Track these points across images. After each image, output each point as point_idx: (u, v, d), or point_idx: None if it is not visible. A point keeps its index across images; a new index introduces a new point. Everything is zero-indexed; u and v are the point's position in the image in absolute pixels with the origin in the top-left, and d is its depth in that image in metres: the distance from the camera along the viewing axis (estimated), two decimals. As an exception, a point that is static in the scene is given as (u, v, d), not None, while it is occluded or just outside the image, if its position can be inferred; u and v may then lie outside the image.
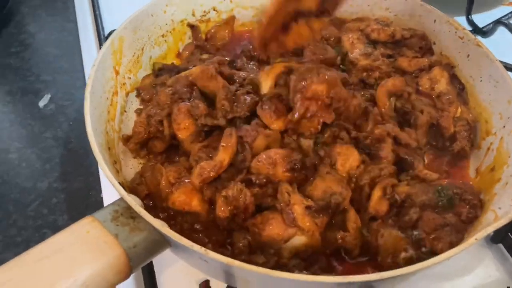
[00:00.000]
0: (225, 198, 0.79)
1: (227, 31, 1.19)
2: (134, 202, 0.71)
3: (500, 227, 0.74)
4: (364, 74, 1.03)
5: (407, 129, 0.94)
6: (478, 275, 0.92)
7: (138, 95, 1.06)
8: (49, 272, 0.63)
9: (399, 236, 0.78)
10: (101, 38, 1.29)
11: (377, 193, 0.80)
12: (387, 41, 1.12)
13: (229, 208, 0.79)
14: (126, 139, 0.96)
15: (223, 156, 0.82)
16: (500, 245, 0.96)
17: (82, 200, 1.08)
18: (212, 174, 0.81)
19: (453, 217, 0.82)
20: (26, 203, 1.06)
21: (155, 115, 0.94)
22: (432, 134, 0.97)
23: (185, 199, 0.82)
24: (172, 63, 1.15)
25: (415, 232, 0.78)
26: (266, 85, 0.91)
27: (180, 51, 1.18)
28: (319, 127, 0.88)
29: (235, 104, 0.90)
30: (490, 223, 0.77)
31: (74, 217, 1.05)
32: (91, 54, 1.36)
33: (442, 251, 0.74)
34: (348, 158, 0.84)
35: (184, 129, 0.90)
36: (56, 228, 1.02)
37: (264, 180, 0.81)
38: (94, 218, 0.70)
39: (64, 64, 1.40)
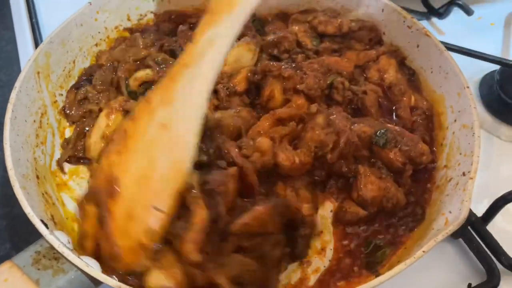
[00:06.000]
0: None
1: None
2: (58, 241, 0.66)
3: (449, 235, 0.71)
4: None
5: None
6: (439, 271, 0.89)
7: (65, 116, 0.99)
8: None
9: None
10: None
11: None
12: (334, 34, 1.07)
13: None
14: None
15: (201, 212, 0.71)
16: (460, 240, 0.93)
17: (26, 226, 1.01)
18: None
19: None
20: (-36, 232, 0.99)
21: None
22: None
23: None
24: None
25: None
26: None
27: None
28: None
29: None
30: (441, 229, 0.74)
31: (16, 246, 1.00)
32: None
33: None
34: None
35: None
36: (-3, 259, 0.96)
37: None
38: (12, 263, 0.65)
39: (2, 77, 1.31)
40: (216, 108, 0.93)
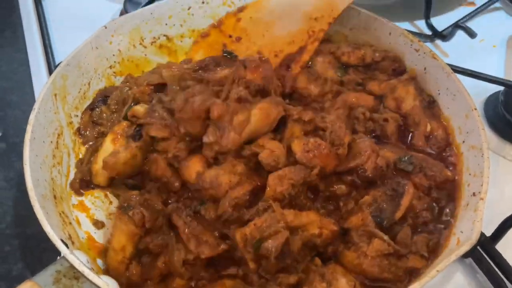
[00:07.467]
0: None
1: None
2: (78, 261, 0.67)
3: (461, 254, 0.72)
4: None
5: None
6: (448, 291, 0.90)
7: (80, 137, 1.00)
8: None
9: None
10: (52, 69, 1.24)
11: None
12: (358, 65, 1.08)
13: None
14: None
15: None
16: (470, 260, 0.94)
17: (38, 246, 1.02)
18: None
19: None
20: (-24, 252, 1.00)
21: None
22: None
23: None
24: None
25: None
26: None
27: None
28: None
29: None
30: (453, 249, 0.75)
31: (29, 265, 1.00)
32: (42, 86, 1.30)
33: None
34: None
35: None
36: (10, 279, 0.97)
37: None
38: (33, 282, 0.66)
39: (14, 98, 1.33)
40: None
